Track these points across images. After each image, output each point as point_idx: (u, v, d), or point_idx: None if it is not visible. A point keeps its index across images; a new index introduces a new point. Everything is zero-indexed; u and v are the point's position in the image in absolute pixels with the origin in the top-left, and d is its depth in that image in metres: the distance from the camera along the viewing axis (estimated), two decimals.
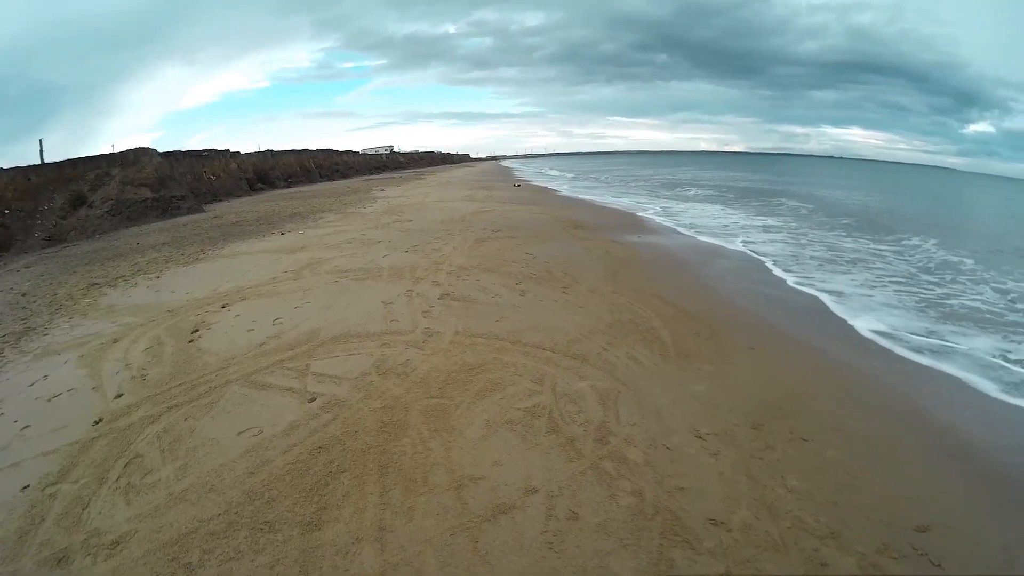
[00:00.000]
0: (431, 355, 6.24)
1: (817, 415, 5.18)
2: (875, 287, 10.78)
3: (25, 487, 4.16)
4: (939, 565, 3.36)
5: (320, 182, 44.63)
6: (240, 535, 3.57)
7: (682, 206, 25.91)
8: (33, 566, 3.40)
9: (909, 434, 4.95)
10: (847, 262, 13.34)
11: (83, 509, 3.88)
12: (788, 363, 6.44)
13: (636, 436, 4.66)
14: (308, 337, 6.80)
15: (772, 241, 16.05)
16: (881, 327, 8.11)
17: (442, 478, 4.09)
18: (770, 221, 21.02)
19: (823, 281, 11.08)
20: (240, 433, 4.73)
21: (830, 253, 14.53)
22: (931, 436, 4.96)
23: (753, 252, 14.20)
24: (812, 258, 13.70)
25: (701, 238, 15.98)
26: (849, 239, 16.86)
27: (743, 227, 19.01)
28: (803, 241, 16.35)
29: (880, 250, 15.07)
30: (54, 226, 17.55)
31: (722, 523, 3.66)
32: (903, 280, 11.51)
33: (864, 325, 8.19)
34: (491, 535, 3.54)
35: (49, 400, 5.56)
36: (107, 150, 22.25)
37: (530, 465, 4.24)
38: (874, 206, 29.22)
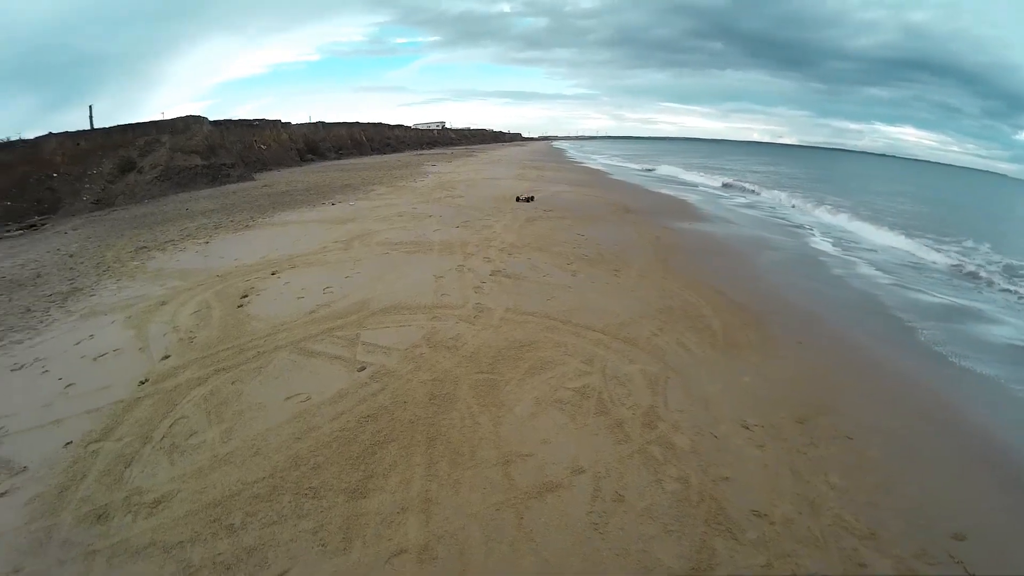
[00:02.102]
0: (482, 330, 6.20)
1: (860, 414, 5.00)
2: (940, 285, 10.47)
3: (68, 443, 4.20)
4: None
5: (371, 155, 44.63)
6: (284, 499, 3.57)
7: (739, 197, 25.21)
8: (72, 521, 3.42)
9: (950, 439, 4.74)
10: (903, 264, 12.97)
11: (126, 467, 3.91)
12: (834, 360, 6.20)
13: (683, 423, 4.56)
14: (358, 307, 6.81)
15: (824, 233, 15.65)
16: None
17: (490, 453, 4.05)
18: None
19: (880, 277, 10.78)
20: (288, 399, 4.74)
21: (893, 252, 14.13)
22: (973, 443, 4.74)
23: (807, 243, 13.94)
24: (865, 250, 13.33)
25: (756, 230, 15.48)
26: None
27: (800, 219, 18.59)
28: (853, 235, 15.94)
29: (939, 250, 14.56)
30: (102, 190, 17.92)
31: (765, 515, 3.56)
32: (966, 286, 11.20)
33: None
34: (536, 512, 3.50)
35: (95, 359, 5.61)
36: (157, 118, 22.60)
37: (578, 445, 4.18)
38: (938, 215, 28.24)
